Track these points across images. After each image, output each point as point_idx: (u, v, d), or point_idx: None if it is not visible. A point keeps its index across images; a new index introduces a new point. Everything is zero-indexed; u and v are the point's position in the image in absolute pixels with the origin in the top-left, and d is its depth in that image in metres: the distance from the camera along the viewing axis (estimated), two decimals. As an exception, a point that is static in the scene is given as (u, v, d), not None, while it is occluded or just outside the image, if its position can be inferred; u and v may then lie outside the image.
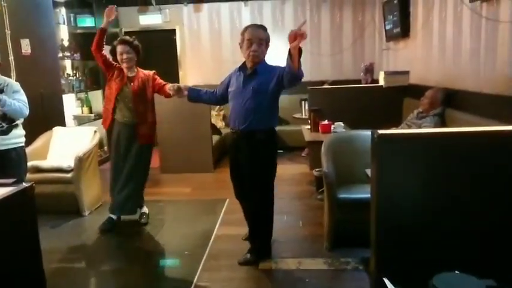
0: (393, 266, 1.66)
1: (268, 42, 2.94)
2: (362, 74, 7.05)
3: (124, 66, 3.57)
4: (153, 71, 3.74)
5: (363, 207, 3.16)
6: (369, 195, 3.02)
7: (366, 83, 6.95)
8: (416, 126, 4.05)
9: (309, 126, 4.71)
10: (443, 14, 4.12)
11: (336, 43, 7.16)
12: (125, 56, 3.52)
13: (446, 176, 1.64)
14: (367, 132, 3.66)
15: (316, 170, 4.60)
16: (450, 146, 1.65)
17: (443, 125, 3.93)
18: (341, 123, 4.45)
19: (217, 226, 3.75)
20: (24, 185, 1.90)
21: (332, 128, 4.40)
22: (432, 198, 1.68)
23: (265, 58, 2.95)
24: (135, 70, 3.65)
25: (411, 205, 1.70)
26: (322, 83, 6.56)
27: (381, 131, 1.69)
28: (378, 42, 6.90)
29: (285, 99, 6.89)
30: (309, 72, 7.14)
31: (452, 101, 3.92)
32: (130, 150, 3.63)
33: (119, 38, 3.65)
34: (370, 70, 7.03)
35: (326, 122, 4.41)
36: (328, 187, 3.08)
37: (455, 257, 1.62)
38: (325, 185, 3.10)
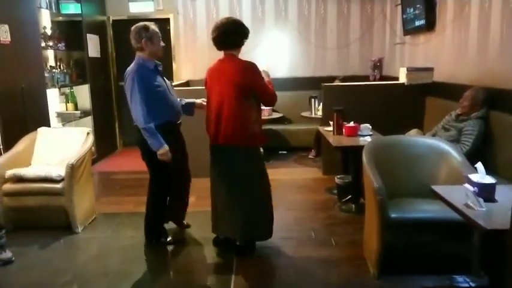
0: None
1: None
2: (370, 69, 6.64)
3: None
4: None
5: (421, 229, 2.73)
6: (428, 215, 2.61)
7: (374, 80, 6.52)
8: (456, 130, 3.61)
9: (329, 128, 4.21)
10: (485, 5, 3.68)
11: (342, 36, 6.68)
12: None
13: None
14: (413, 138, 3.26)
15: (338, 177, 4.13)
16: None
17: (488, 128, 3.51)
18: (368, 126, 3.97)
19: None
20: None
21: (358, 131, 3.92)
22: None
23: None
24: None
25: None
26: (333, 79, 6.07)
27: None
28: (388, 36, 6.44)
29: (292, 96, 6.39)
30: (313, 66, 6.69)
31: (498, 102, 3.50)
32: None
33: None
34: (378, 66, 6.62)
35: (352, 124, 3.92)
36: (379, 205, 2.59)
37: None
38: (376, 203, 2.61)
